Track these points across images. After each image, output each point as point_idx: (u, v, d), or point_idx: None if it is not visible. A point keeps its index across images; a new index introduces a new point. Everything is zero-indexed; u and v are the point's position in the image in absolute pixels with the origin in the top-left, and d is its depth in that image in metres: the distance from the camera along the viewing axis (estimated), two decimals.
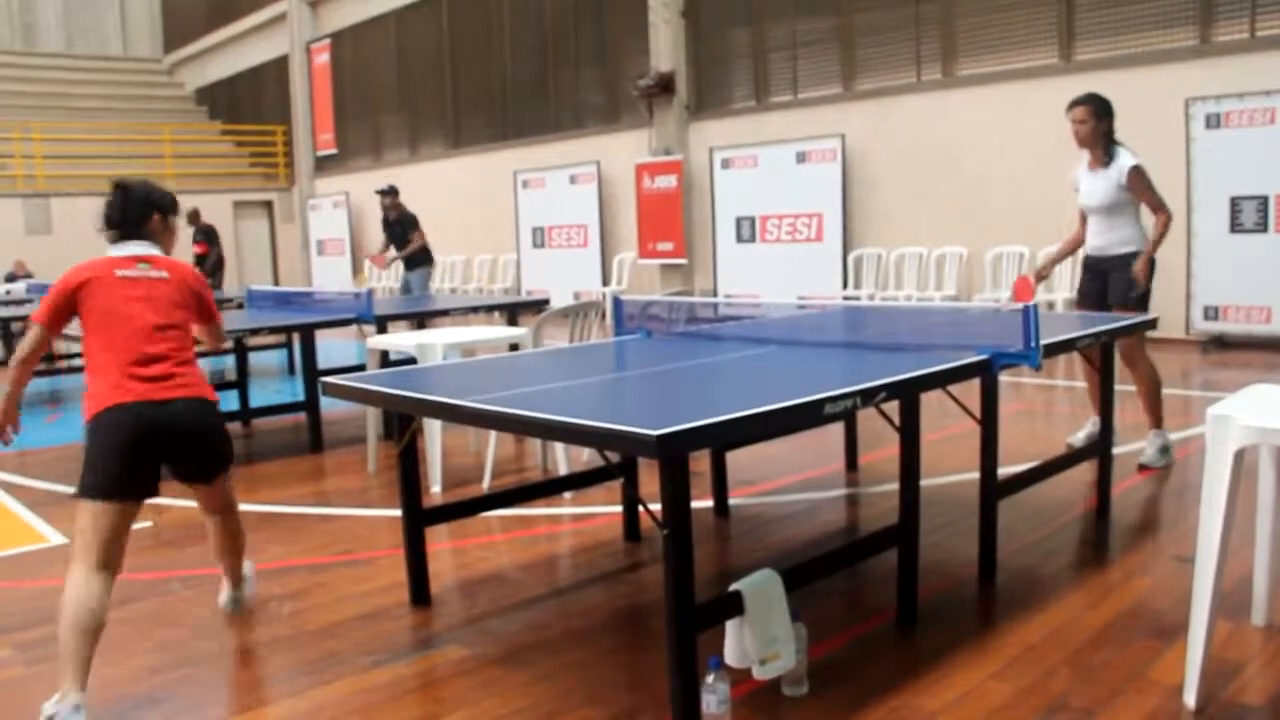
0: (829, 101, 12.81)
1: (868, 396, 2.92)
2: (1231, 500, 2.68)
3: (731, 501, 4.85)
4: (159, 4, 29.49)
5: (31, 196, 19.48)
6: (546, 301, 9.23)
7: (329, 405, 6.96)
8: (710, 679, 2.65)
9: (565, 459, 5.41)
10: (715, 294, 13.57)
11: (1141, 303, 5.21)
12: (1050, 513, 4.56)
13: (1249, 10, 9.44)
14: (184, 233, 15.19)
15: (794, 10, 13.13)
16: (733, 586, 2.79)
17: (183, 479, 3.39)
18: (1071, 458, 4.64)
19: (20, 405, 3.37)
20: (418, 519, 3.78)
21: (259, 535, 4.77)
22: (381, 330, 6.85)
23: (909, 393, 3.22)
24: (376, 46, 20.29)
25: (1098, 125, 5.28)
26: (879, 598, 3.59)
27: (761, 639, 2.76)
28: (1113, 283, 5.31)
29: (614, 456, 3.76)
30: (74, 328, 3.42)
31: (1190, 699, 2.74)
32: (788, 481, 5.36)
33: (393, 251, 11.80)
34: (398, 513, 3.84)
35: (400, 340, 6.03)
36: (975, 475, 3.80)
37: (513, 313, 7.87)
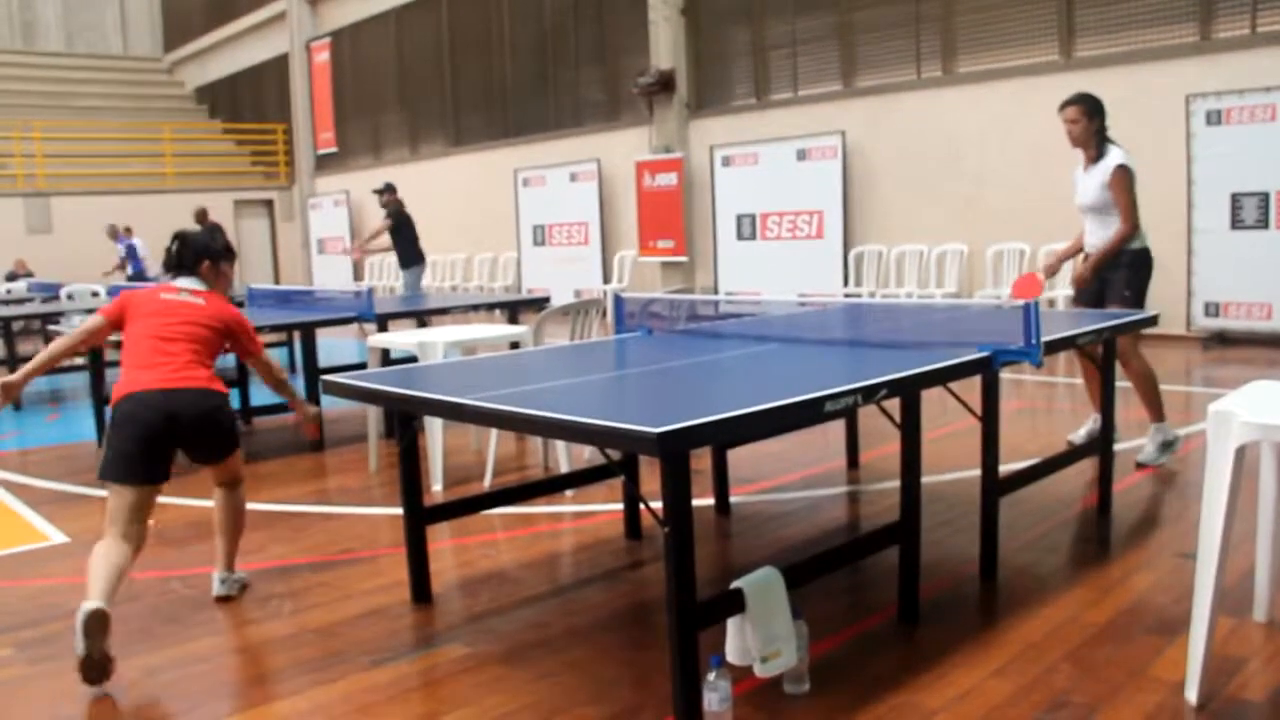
0: (829, 99, 12.81)
1: (868, 394, 2.92)
2: (1233, 496, 2.68)
3: (732, 499, 4.85)
4: (159, 3, 29.47)
5: (32, 196, 19.48)
6: (547, 300, 9.23)
7: (330, 403, 6.96)
8: (712, 676, 2.65)
9: (566, 457, 5.41)
10: (716, 291, 13.57)
11: (1137, 301, 5.21)
12: (1051, 510, 4.56)
13: (1249, 7, 9.44)
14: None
15: (794, 8, 13.12)
16: (734, 584, 2.79)
17: (196, 461, 3.80)
18: (1072, 454, 4.64)
19: (27, 381, 3.76)
20: (419, 517, 3.78)
21: (261, 534, 4.77)
22: (382, 329, 6.85)
23: (910, 390, 3.22)
24: (376, 45, 20.28)
25: (1089, 124, 5.29)
26: (880, 595, 3.59)
27: (763, 636, 2.76)
28: (1110, 282, 5.30)
29: (615, 454, 3.77)
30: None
31: (1192, 695, 2.74)
32: (789, 479, 5.36)
33: (381, 242, 11.60)
34: (399, 511, 3.84)
35: (401, 338, 6.03)
36: (976, 472, 3.80)
37: (513, 311, 7.87)
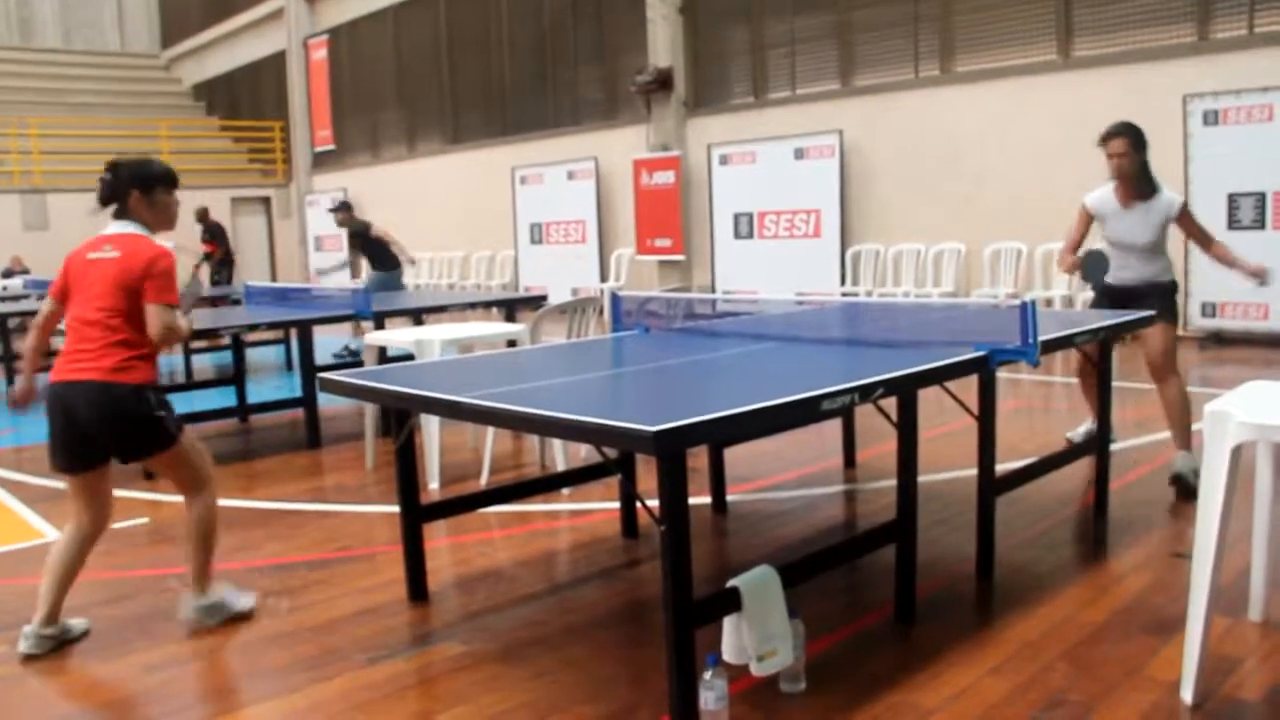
0: (827, 98, 12.81)
1: (865, 393, 2.92)
2: (1229, 496, 2.68)
3: (729, 498, 4.85)
4: None
5: (28, 192, 19.44)
6: (544, 298, 9.22)
7: (326, 401, 6.95)
8: (708, 675, 2.65)
9: (563, 455, 5.41)
10: (713, 290, 13.57)
11: (1171, 317, 5.03)
12: (1048, 509, 4.57)
13: (1247, 7, 9.45)
14: (194, 229, 15.22)
15: (792, 6, 13.12)
16: (730, 583, 2.79)
17: (121, 460, 3.51)
18: (1069, 454, 4.65)
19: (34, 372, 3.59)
20: (415, 515, 3.78)
21: (257, 532, 4.77)
22: (379, 326, 6.85)
23: (907, 389, 3.22)
24: (374, 42, 20.26)
25: (1136, 157, 4.90)
26: (877, 594, 3.59)
27: (759, 635, 2.76)
28: (1146, 305, 4.89)
29: (612, 453, 3.77)
30: None
31: (1188, 694, 2.75)
32: (785, 478, 5.36)
33: (365, 268, 11.36)
34: (396, 509, 3.84)
35: (398, 336, 6.03)
36: (973, 471, 3.80)
37: (510, 309, 7.86)
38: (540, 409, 2.76)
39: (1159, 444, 5.58)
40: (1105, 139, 4.95)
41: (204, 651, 3.41)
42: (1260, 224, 9.04)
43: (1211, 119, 9.30)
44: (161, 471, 3.61)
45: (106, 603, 3.89)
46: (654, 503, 2.56)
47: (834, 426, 5.62)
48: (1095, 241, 5.22)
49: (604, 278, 15.28)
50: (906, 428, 3.35)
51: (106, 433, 3.38)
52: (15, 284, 14.63)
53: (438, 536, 4.46)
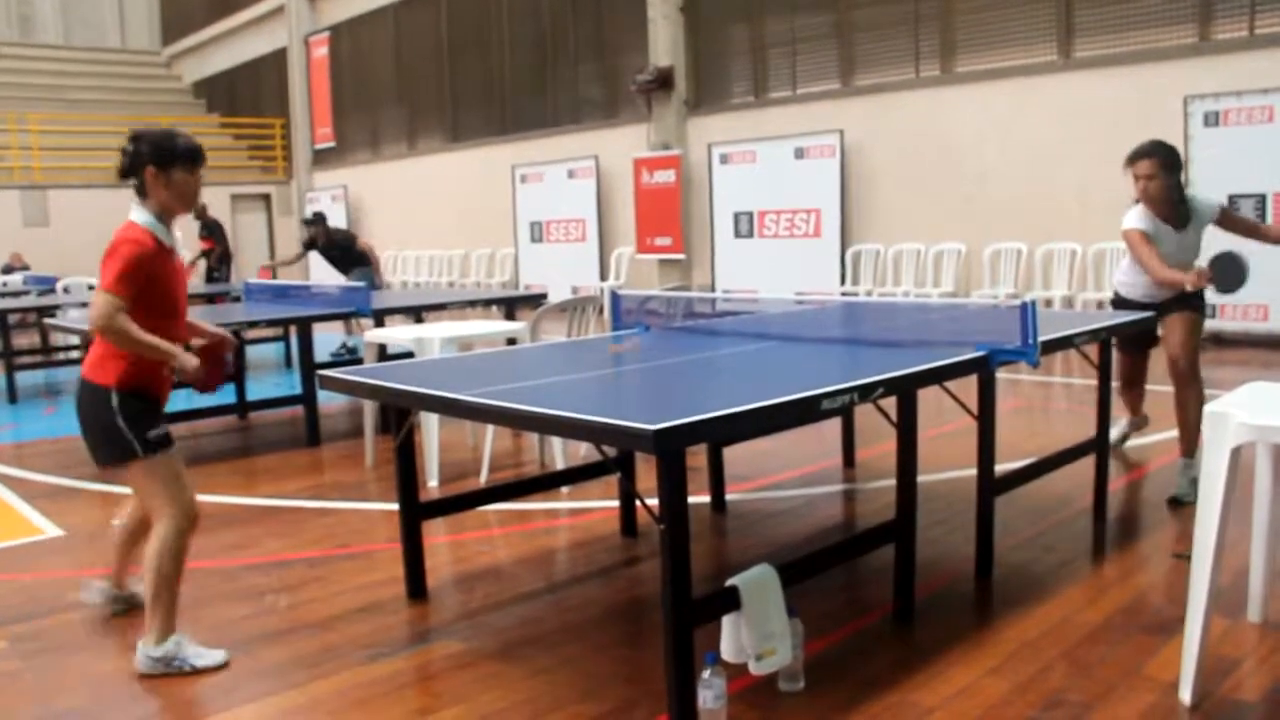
0: (828, 97, 12.81)
1: (865, 392, 2.92)
2: (1228, 497, 2.68)
3: (729, 497, 4.85)
4: None
5: (28, 188, 19.44)
6: (544, 296, 9.21)
7: (326, 399, 6.96)
8: (707, 674, 2.65)
9: (562, 454, 5.41)
10: (713, 289, 13.57)
11: (1199, 309, 4.82)
12: (1047, 509, 4.57)
13: (1248, 8, 9.44)
14: (192, 225, 15.18)
15: (793, 6, 13.11)
16: (729, 582, 2.79)
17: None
18: (1068, 454, 4.64)
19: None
20: (415, 513, 3.78)
21: (256, 528, 4.77)
22: (379, 324, 6.84)
23: (906, 389, 3.22)
24: (375, 40, 20.26)
25: (1166, 180, 4.58)
26: (876, 593, 3.59)
27: (758, 634, 2.76)
28: (1170, 310, 4.78)
29: (611, 451, 3.76)
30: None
31: (1186, 695, 2.75)
32: (785, 477, 5.36)
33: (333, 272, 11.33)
34: (395, 507, 3.84)
35: (398, 334, 6.03)
36: (972, 471, 3.80)
37: (510, 307, 7.86)
38: (540, 407, 2.76)
39: (1159, 444, 5.58)
40: (1133, 159, 4.63)
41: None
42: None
43: (1212, 120, 9.31)
44: (130, 487, 3.35)
45: (106, 601, 3.88)
46: (653, 501, 2.56)
47: (834, 426, 5.62)
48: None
49: (604, 276, 15.28)
50: (906, 427, 3.35)
51: (83, 432, 3.24)
52: (15, 280, 14.63)
53: (437, 534, 4.46)
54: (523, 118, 17.15)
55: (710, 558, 4.15)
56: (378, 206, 20.40)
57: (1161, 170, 4.58)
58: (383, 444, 6.01)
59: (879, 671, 3.02)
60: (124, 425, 3.13)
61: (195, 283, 14.05)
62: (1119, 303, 5.02)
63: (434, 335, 5.55)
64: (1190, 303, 4.77)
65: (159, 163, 3.17)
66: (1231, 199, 9.14)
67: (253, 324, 6.83)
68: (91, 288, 12.35)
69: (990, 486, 3.78)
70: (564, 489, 5.01)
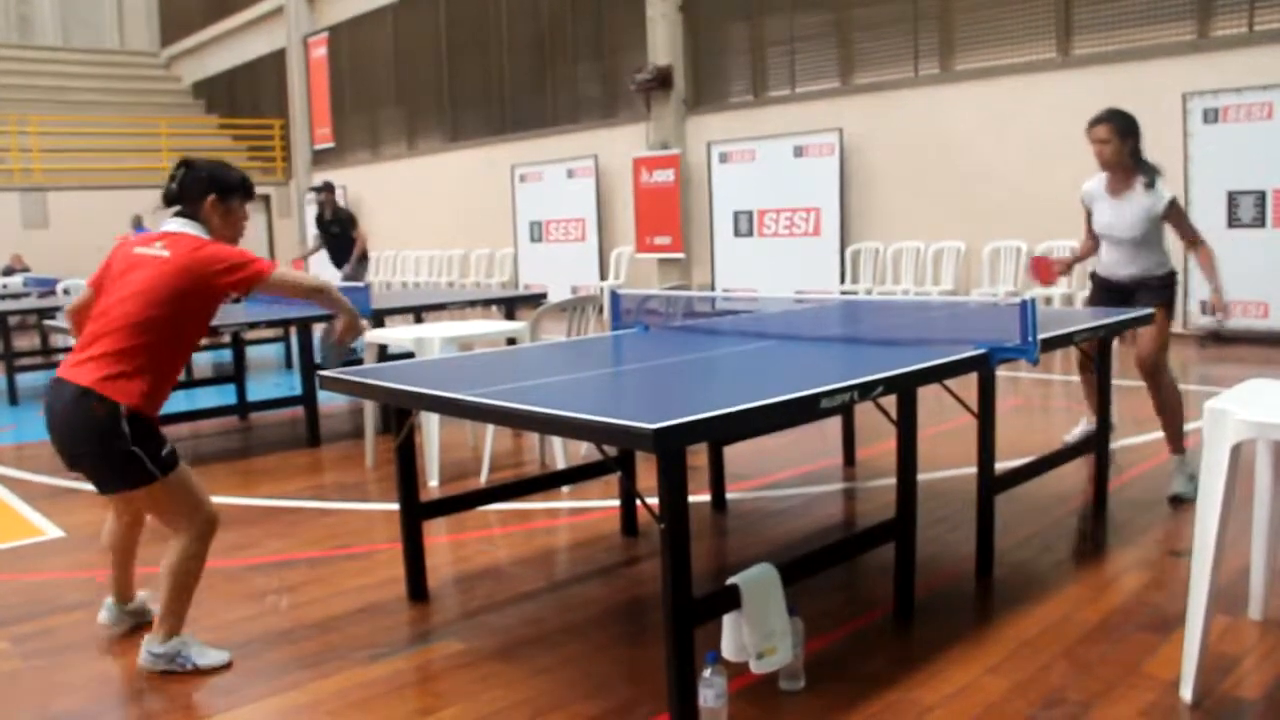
0: (827, 96, 12.80)
1: (865, 391, 2.92)
2: (1228, 494, 2.68)
3: (729, 496, 4.86)
4: None
5: (28, 190, 19.43)
6: (544, 296, 9.23)
7: (326, 399, 6.96)
8: (708, 673, 2.65)
9: (563, 453, 5.42)
10: (713, 288, 13.56)
11: (1166, 311, 4.87)
12: (1047, 507, 4.57)
13: (1247, 5, 9.44)
14: None
15: (792, 4, 13.11)
16: (730, 580, 2.79)
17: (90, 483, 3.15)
18: (1068, 452, 4.65)
19: None
20: (415, 513, 3.78)
21: (256, 529, 4.77)
22: (379, 324, 6.85)
23: (906, 387, 3.22)
24: (374, 40, 20.25)
25: (1121, 145, 4.72)
26: (876, 592, 3.60)
27: (759, 633, 2.76)
28: (1139, 301, 4.87)
29: (611, 451, 3.77)
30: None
31: (1187, 693, 2.75)
32: (785, 476, 5.36)
33: (317, 260, 11.35)
34: (395, 507, 3.84)
35: (398, 334, 6.03)
36: (972, 470, 3.80)
37: (510, 307, 7.86)
38: (540, 407, 2.76)
39: (1158, 442, 5.58)
40: (1090, 125, 4.80)
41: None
42: (1260, 222, 9.05)
43: (1211, 117, 9.30)
44: (141, 508, 3.23)
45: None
46: (654, 500, 2.56)
47: (834, 424, 5.62)
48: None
49: (604, 276, 15.28)
50: (906, 426, 3.35)
51: (75, 449, 3.04)
52: (15, 282, 14.63)
53: (437, 534, 4.46)
54: (522, 117, 17.15)
55: (711, 557, 4.15)
56: (377, 207, 20.38)
57: (1116, 135, 4.70)
58: (383, 444, 6.01)
59: (879, 670, 3.02)
60: (137, 449, 2.99)
61: None
62: (1092, 277, 5.16)
63: (434, 335, 5.55)
64: (1159, 302, 4.80)
65: (221, 192, 3.23)
66: (1231, 196, 9.16)
67: (253, 325, 6.82)
68: None
69: (990, 485, 3.78)
70: (564, 488, 5.01)
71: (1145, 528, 4.38)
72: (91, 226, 18.76)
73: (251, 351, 9.70)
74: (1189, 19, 9.80)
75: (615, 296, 4.76)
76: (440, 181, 18.57)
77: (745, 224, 13.45)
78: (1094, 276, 5.17)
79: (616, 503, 4.60)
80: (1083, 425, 5.56)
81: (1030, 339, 3.44)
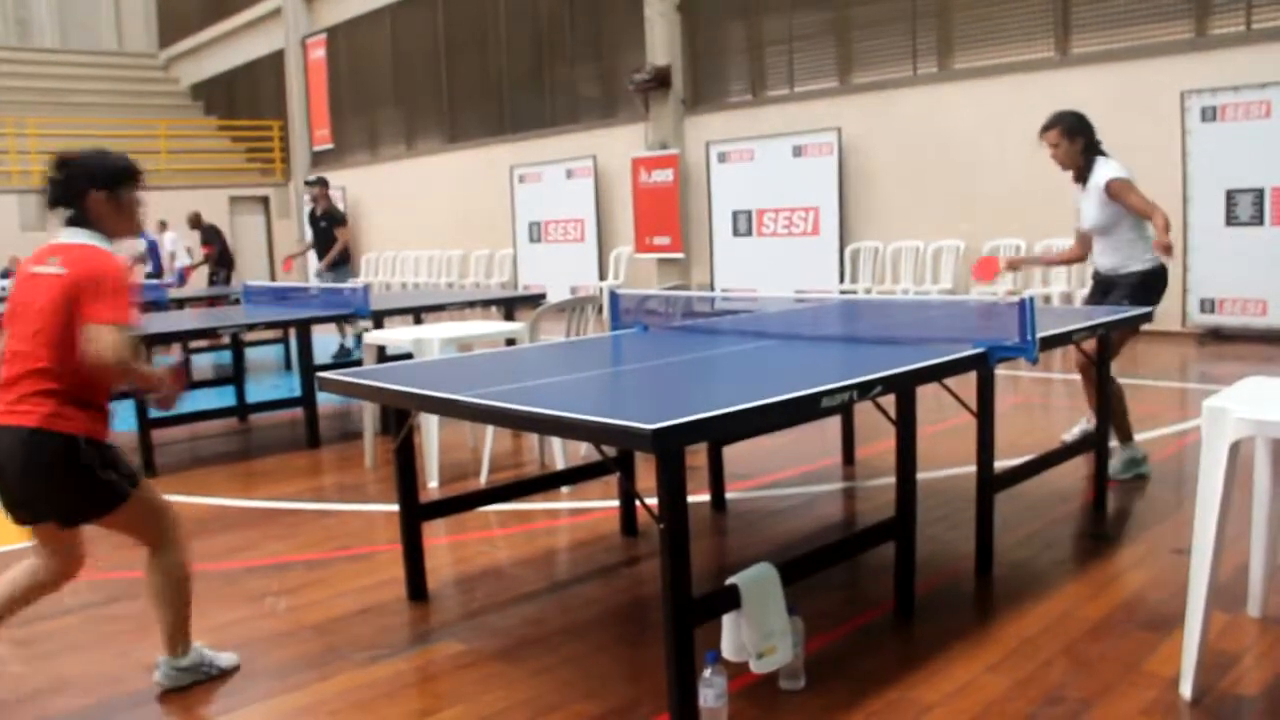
0: (825, 95, 12.80)
1: (864, 390, 2.93)
2: (1227, 492, 2.69)
3: (728, 495, 4.86)
4: None
5: (26, 192, 19.41)
6: (543, 296, 9.22)
7: (326, 400, 6.96)
8: (708, 672, 2.65)
9: (562, 454, 5.42)
10: (712, 288, 13.57)
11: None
12: (1047, 505, 4.57)
13: (1244, 3, 9.44)
14: (188, 235, 15.18)
15: (790, 4, 13.11)
16: (730, 580, 2.79)
17: (60, 523, 2.94)
18: (1068, 451, 4.65)
19: None
20: (415, 514, 3.78)
21: (256, 531, 4.77)
22: (378, 325, 6.85)
23: (905, 386, 3.23)
24: (372, 41, 20.24)
25: (1071, 145, 4.94)
26: (876, 591, 3.60)
27: (759, 632, 2.76)
28: (1111, 298, 4.99)
29: (611, 451, 3.77)
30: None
31: (1187, 690, 2.75)
32: (785, 475, 5.36)
33: (312, 257, 11.45)
34: (395, 508, 3.84)
35: (397, 335, 6.03)
36: (972, 468, 3.81)
37: (509, 307, 7.87)
38: (539, 407, 2.76)
39: (1158, 440, 5.59)
40: (1040, 133, 5.02)
41: None
42: (1259, 220, 9.05)
43: (1210, 115, 9.30)
44: (114, 530, 3.00)
45: (105, 602, 3.89)
46: (653, 501, 2.57)
47: (833, 424, 5.62)
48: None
49: (603, 276, 15.28)
50: (905, 425, 3.35)
51: (35, 491, 2.82)
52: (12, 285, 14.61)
53: (437, 535, 4.46)
54: (521, 118, 17.15)
55: (710, 556, 4.15)
56: (376, 207, 20.39)
57: (1064, 138, 4.96)
58: (383, 445, 6.01)
59: (879, 669, 3.03)
60: (103, 471, 2.83)
61: (199, 286, 14.08)
62: (1093, 274, 5.30)
63: (433, 336, 5.56)
64: (1130, 292, 4.91)
65: (107, 184, 2.92)
66: (1229, 194, 9.16)
67: (251, 326, 6.83)
68: None
69: (990, 483, 3.78)
70: (564, 489, 5.02)
71: (1145, 526, 4.38)
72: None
73: (251, 353, 9.70)
74: (1187, 17, 9.80)
75: (614, 297, 4.76)
76: (439, 182, 18.57)
77: (744, 224, 13.45)
78: (1093, 273, 5.30)
79: (616, 503, 4.61)
80: (1081, 425, 5.56)
81: (1029, 338, 3.45)
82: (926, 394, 3.48)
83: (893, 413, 3.36)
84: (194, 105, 26.71)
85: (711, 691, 2.64)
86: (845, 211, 12.45)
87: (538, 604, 3.73)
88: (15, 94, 22.58)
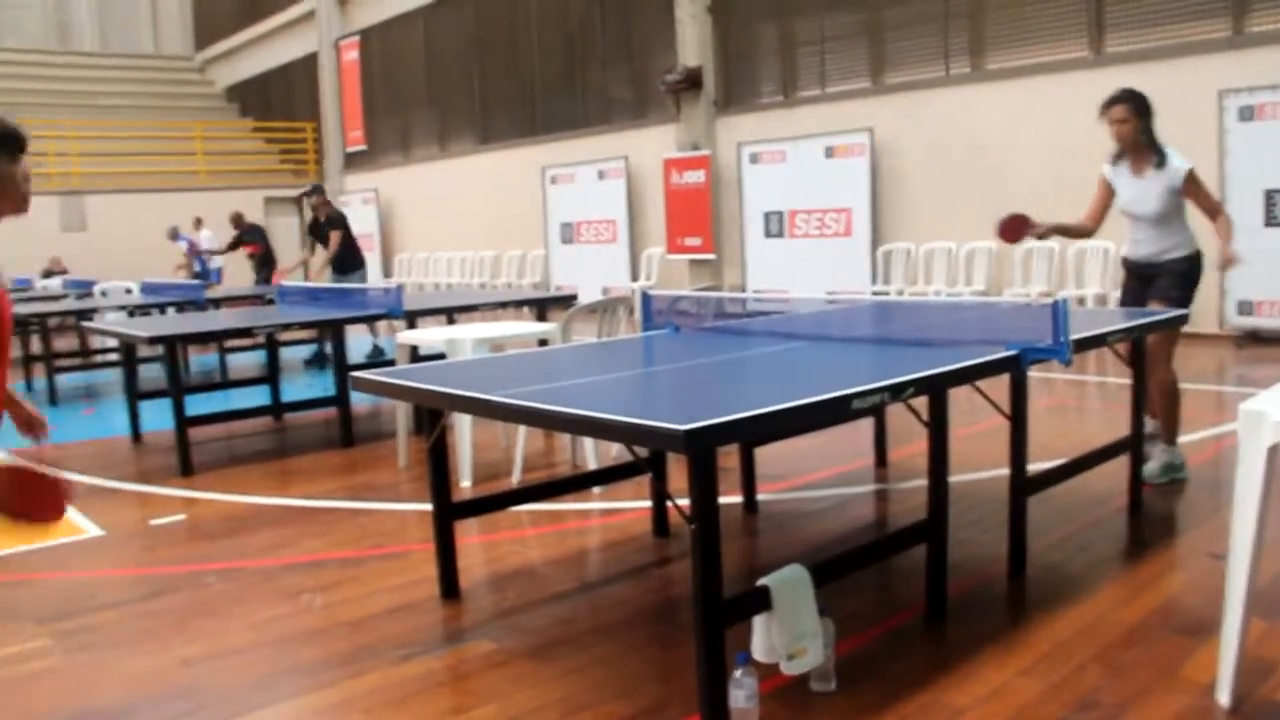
0: (857, 96, 12.76)
1: (896, 392, 2.92)
2: (1264, 497, 2.65)
3: (760, 497, 4.85)
4: (190, 2, 29.74)
5: (66, 194, 19.71)
6: (575, 297, 9.25)
7: (360, 400, 7.02)
8: (738, 674, 2.66)
9: (594, 454, 5.43)
10: (744, 289, 13.55)
11: (1182, 305, 4.89)
12: (1081, 509, 4.53)
13: None
14: (221, 234, 15.32)
15: (822, 4, 13.08)
16: (761, 581, 2.79)
17: None
18: (1102, 454, 4.61)
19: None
20: (448, 513, 3.81)
21: (292, 529, 4.83)
22: (411, 326, 6.89)
23: (938, 388, 3.21)
24: (405, 43, 20.39)
25: (1138, 124, 4.92)
26: (908, 593, 3.59)
27: (789, 634, 2.76)
28: (1158, 286, 4.95)
29: (643, 451, 3.78)
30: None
31: (1223, 697, 2.72)
32: (816, 477, 5.35)
33: (318, 255, 11.27)
34: (428, 507, 3.87)
35: (430, 335, 6.07)
36: (1005, 471, 3.79)
37: (541, 308, 7.90)
38: (571, 408, 2.78)
39: (1195, 443, 5.53)
40: (1106, 106, 5.00)
41: (240, 647, 3.46)
42: None
43: (1247, 114, 9.18)
44: None
45: (144, 598, 3.95)
46: (685, 501, 2.57)
47: (865, 426, 5.60)
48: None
49: (634, 277, 15.30)
50: (938, 427, 3.34)
51: None
52: (54, 284, 14.85)
53: (469, 534, 4.49)
54: (552, 119, 17.21)
55: (742, 557, 4.15)
56: (409, 209, 20.53)
57: (1134, 114, 4.92)
58: (416, 445, 6.06)
59: (911, 671, 3.02)
60: None
61: (244, 285, 14.24)
62: (1123, 262, 5.27)
63: (466, 336, 5.59)
64: (1179, 280, 4.87)
65: None
66: (1268, 194, 9.03)
67: (286, 326, 6.91)
68: (129, 291, 12.57)
69: (1023, 486, 3.76)
70: (596, 489, 5.03)
71: (1181, 530, 4.34)
72: (128, 229, 19.08)
73: (285, 353, 9.80)
74: (1223, 15, 9.68)
75: (646, 297, 4.77)
76: (472, 183, 18.67)
77: (776, 225, 13.42)
78: (1123, 261, 5.26)
79: (648, 504, 4.62)
80: (1149, 426, 5.40)
81: (1062, 339, 3.43)
82: (959, 396, 3.47)
83: (925, 415, 3.35)
84: (229, 107, 27.00)
85: (742, 693, 2.65)
86: (877, 212, 12.39)
87: (569, 604, 3.74)
88: (55, 97, 22.93)
